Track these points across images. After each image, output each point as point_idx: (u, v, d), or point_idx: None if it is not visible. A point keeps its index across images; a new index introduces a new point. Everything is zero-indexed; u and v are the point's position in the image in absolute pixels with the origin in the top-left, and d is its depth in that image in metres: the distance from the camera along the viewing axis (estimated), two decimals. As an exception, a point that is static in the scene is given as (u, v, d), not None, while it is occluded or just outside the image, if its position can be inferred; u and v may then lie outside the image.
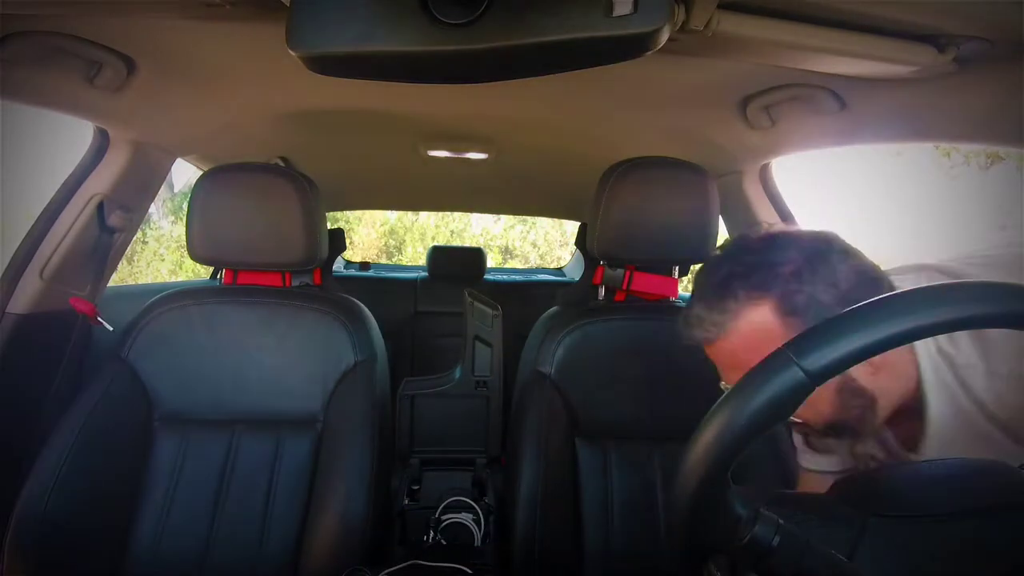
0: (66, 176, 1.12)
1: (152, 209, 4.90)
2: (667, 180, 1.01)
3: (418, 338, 2.14)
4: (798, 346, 0.36)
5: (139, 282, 5.40)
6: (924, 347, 0.59)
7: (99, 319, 1.13)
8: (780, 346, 0.37)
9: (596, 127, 1.20)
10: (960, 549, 0.43)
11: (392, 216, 6.58)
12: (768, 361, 0.37)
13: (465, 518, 1.15)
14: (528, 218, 6.47)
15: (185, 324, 1.01)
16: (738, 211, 1.33)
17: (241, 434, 0.99)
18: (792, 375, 0.36)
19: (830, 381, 0.36)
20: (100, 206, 1.13)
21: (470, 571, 0.91)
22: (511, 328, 1.49)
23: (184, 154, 1.33)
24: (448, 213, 6.11)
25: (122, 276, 5.32)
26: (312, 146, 1.43)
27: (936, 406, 0.59)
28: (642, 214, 1.00)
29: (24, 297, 1.05)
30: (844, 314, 0.37)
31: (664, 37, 0.51)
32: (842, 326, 0.36)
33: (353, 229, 6.30)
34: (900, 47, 0.66)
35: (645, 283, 1.11)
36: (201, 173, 1.02)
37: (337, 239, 1.19)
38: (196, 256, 1.00)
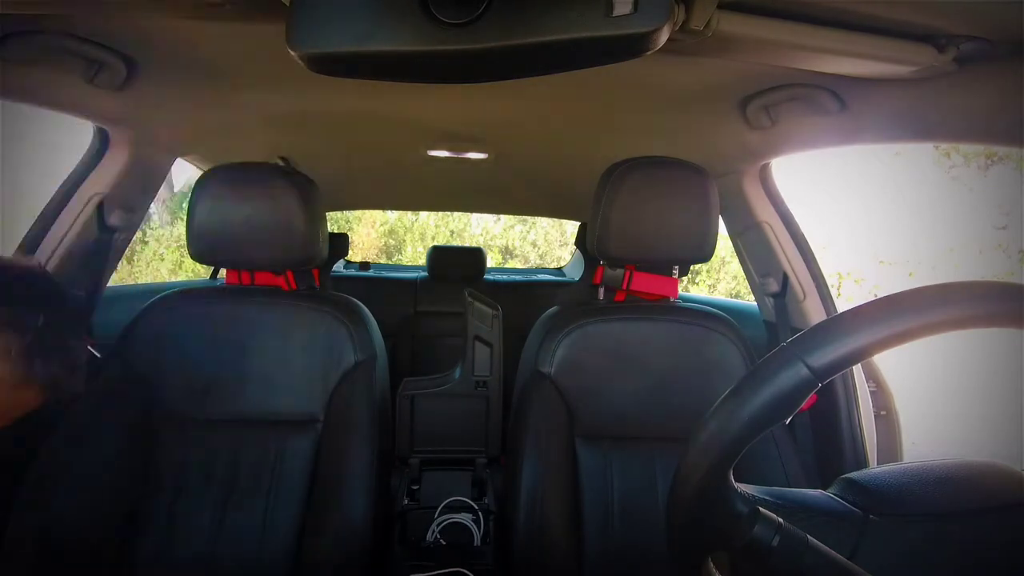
0: (66, 176, 1.12)
1: (152, 209, 4.91)
2: (667, 180, 1.01)
3: (418, 338, 2.14)
4: (803, 344, 0.37)
5: (139, 282, 5.41)
6: None
7: (89, 348, 1.13)
8: (785, 343, 0.38)
9: (596, 127, 1.20)
10: (960, 549, 0.43)
11: (392, 216, 6.59)
12: (773, 358, 0.37)
13: (465, 518, 1.15)
14: (528, 218, 6.48)
15: (185, 324, 1.01)
16: (738, 211, 1.33)
17: (242, 434, 0.99)
18: (797, 372, 0.36)
19: None
20: (100, 206, 1.13)
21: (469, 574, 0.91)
22: (511, 328, 1.49)
23: (184, 154, 1.33)
24: (448, 213, 6.12)
25: (122, 276, 5.32)
26: (312, 146, 1.43)
27: None
28: (642, 214, 1.00)
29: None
30: (849, 312, 0.38)
31: (664, 37, 0.51)
32: (847, 324, 0.37)
33: (353, 229, 6.30)
34: (900, 47, 0.66)
35: (645, 283, 1.11)
36: (201, 173, 1.02)
37: (341, 244, 1.20)
38: (196, 256, 1.00)
